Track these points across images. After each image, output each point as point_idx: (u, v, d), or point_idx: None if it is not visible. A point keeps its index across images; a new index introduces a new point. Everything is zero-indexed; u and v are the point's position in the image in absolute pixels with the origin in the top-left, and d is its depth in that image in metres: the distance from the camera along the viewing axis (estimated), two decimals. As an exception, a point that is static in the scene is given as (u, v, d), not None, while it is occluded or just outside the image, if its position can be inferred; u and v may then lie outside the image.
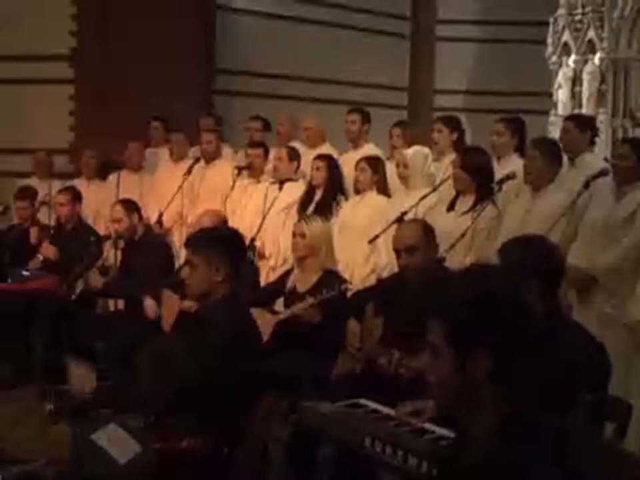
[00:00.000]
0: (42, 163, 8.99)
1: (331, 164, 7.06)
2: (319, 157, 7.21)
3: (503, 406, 2.29)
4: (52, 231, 7.54)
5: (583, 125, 6.54)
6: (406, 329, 4.43)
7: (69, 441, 3.62)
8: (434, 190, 6.22)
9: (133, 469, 3.28)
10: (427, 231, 4.94)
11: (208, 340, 3.83)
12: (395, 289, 4.98)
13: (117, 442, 3.37)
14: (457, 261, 5.46)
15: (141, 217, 6.96)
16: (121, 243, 7.01)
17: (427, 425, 3.77)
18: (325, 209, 6.77)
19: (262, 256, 7.07)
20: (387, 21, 12.23)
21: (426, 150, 6.66)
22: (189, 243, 4.26)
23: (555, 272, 3.81)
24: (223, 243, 4.14)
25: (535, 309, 3.55)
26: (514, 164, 6.35)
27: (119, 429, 3.43)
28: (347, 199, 6.98)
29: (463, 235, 5.56)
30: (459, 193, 6.00)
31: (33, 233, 7.77)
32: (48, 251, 7.33)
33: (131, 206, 6.89)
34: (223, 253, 4.03)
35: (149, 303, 6.22)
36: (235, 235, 4.39)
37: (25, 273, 7.12)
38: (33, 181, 8.67)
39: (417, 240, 4.84)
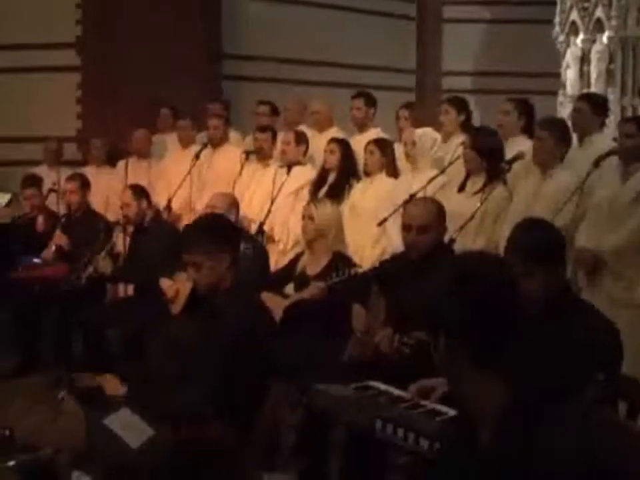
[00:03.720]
0: (52, 150, 8.99)
1: (345, 147, 7.06)
2: (333, 140, 7.20)
3: (504, 389, 2.28)
4: (62, 219, 7.54)
5: (596, 107, 6.49)
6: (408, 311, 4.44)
7: (82, 428, 3.62)
8: (442, 171, 6.21)
9: (146, 454, 3.29)
10: (440, 212, 4.89)
11: (230, 334, 3.77)
12: (398, 268, 4.96)
13: (129, 426, 3.37)
14: (467, 242, 5.46)
15: (150, 203, 6.97)
16: (130, 229, 7.04)
17: (439, 406, 3.77)
18: (338, 193, 6.77)
19: (271, 240, 7.07)
20: (393, 3, 12.17)
21: (436, 134, 6.66)
22: (184, 244, 4.13)
23: (556, 255, 3.79)
24: (217, 232, 4.05)
25: (539, 293, 3.57)
26: (521, 144, 6.33)
27: (131, 414, 3.44)
28: (359, 182, 6.97)
29: (472, 216, 5.54)
30: (469, 174, 5.98)
31: (40, 220, 7.79)
32: (61, 239, 7.34)
33: (139, 191, 6.89)
34: (219, 241, 3.98)
35: (166, 283, 6.18)
36: (224, 220, 4.31)
37: (35, 260, 7.14)
38: (41, 169, 8.69)
39: (430, 219, 4.80)
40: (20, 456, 4.69)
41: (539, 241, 3.72)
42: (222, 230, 4.08)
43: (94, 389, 3.83)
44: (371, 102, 8.05)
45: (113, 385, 4.00)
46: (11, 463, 4.61)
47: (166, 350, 4.08)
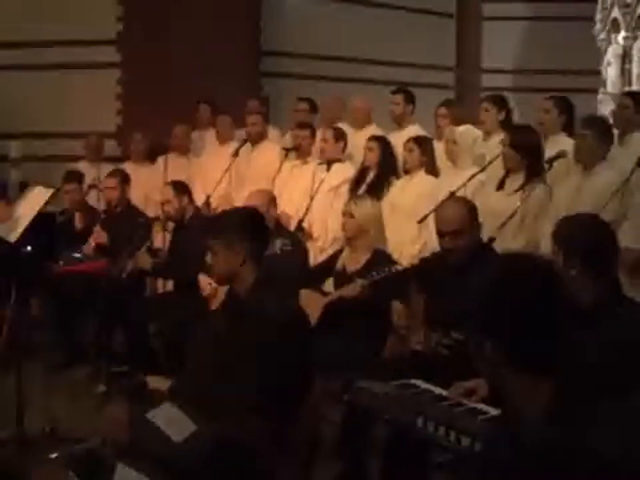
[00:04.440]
0: (92, 146, 9.07)
1: (385, 145, 7.07)
2: (373, 137, 7.21)
3: (549, 390, 2.27)
4: (102, 215, 7.60)
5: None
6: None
7: (124, 421, 3.65)
8: (482, 169, 6.19)
9: (189, 448, 3.31)
10: (471, 211, 4.76)
11: (254, 331, 3.77)
12: (437, 268, 4.94)
13: (172, 421, 3.39)
14: (506, 240, 5.43)
15: (191, 199, 7.00)
16: (170, 225, 7.08)
17: (480, 405, 3.77)
18: (377, 190, 6.77)
19: (309, 237, 7.08)
20: (434, 1, 12.15)
21: (477, 131, 6.64)
22: (208, 228, 4.16)
23: (604, 251, 3.75)
24: (240, 225, 4.01)
25: (584, 290, 3.53)
26: (561, 143, 6.29)
27: (174, 408, 3.46)
28: (398, 179, 6.97)
29: (512, 215, 5.52)
30: (508, 172, 5.95)
31: (78, 216, 7.86)
32: (100, 235, 7.40)
33: (180, 188, 6.93)
34: (242, 234, 3.93)
35: (203, 280, 6.22)
36: (253, 215, 4.30)
37: (76, 255, 7.21)
38: (82, 165, 8.76)
39: (460, 223, 4.67)
40: (65, 448, 4.78)
41: (587, 236, 3.69)
42: (245, 224, 4.03)
43: (138, 383, 3.85)
44: (410, 98, 8.05)
45: (156, 380, 4.02)
46: (54, 455, 4.70)
47: (204, 346, 4.09)
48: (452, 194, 5.74)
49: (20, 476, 4.90)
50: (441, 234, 4.73)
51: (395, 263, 5.53)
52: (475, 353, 2.34)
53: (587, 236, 3.68)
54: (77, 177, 8.07)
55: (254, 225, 4.07)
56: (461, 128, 6.60)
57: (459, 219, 4.68)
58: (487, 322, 2.30)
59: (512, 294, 2.27)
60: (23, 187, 8.48)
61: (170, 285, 7.29)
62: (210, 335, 4.09)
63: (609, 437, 2.21)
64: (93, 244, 7.41)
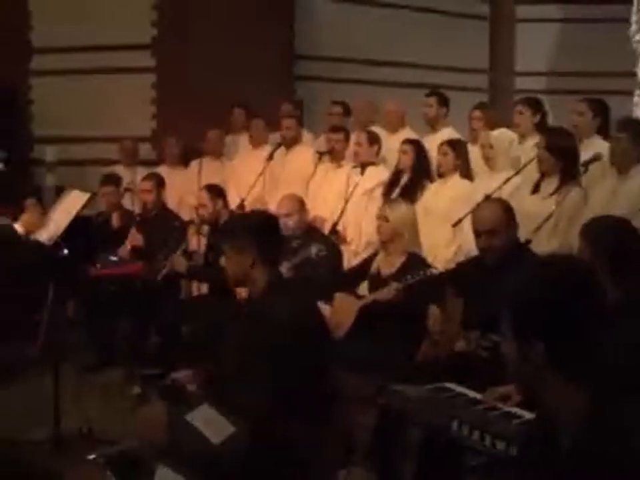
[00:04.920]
0: (128, 150, 9.14)
1: (418, 148, 7.07)
2: (407, 141, 7.21)
3: (587, 391, 2.27)
4: (137, 218, 7.65)
5: None
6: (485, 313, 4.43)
7: (161, 422, 3.68)
8: (518, 172, 6.17)
9: (227, 450, 3.33)
10: (507, 211, 4.82)
11: (265, 334, 3.77)
12: (474, 271, 4.95)
13: (210, 422, 3.42)
14: (541, 243, 5.41)
15: (226, 203, 7.03)
16: (204, 229, 7.11)
17: (515, 410, 3.76)
18: (411, 193, 6.77)
19: (344, 241, 7.08)
20: (466, 3, 12.13)
21: (512, 134, 6.61)
22: (221, 231, 4.20)
23: (630, 253, 3.75)
24: (250, 228, 4.06)
25: (609, 290, 3.53)
26: (596, 145, 6.25)
27: (212, 410, 3.49)
28: (432, 183, 6.96)
29: (547, 218, 5.50)
30: (543, 175, 5.93)
31: (115, 218, 7.92)
32: (135, 238, 7.46)
33: (216, 192, 6.96)
34: (251, 238, 3.97)
35: None
36: (264, 218, 4.31)
37: (112, 258, 7.26)
38: (117, 169, 8.83)
39: (496, 222, 4.74)
40: (101, 449, 4.81)
41: (614, 237, 3.70)
42: (255, 228, 4.07)
43: (175, 385, 3.89)
44: (444, 101, 8.04)
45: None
46: (92, 456, 4.73)
47: (232, 348, 4.12)
48: (487, 197, 5.74)
49: (56, 477, 4.95)
50: (477, 234, 4.81)
51: (429, 266, 5.52)
52: (514, 355, 2.34)
53: (613, 237, 3.70)
54: (115, 179, 8.15)
55: (264, 228, 4.10)
56: (497, 131, 6.58)
57: (494, 219, 4.75)
58: (533, 323, 2.29)
59: (560, 295, 2.28)
60: (59, 191, 8.58)
61: (204, 287, 7.34)
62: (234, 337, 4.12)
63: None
64: (129, 247, 7.47)
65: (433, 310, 5.18)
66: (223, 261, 4.03)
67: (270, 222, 4.23)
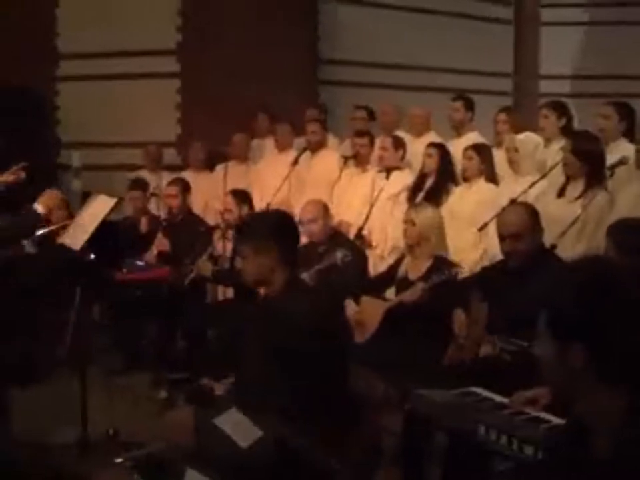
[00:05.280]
0: (152, 155, 9.19)
1: (443, 152, 7.07)
2: (432, 145, 7.21)
3: (626, 397, 2.26)
4: (163, 223, 7.68)
5: None
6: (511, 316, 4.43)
7: (186, 426, 3.69)
8: (543, 176, 6.15)
9: (255, 454, 3.34)
10: (532, 215, 4.85)
11: (283, 335, 3.77)
12: (498, 275, 4.94)
13: (238, 426, 3.43)
14: (567, 247, 5.40)
15: (251, 208, 7.05)
16: (230, 233, 7.13)
17: (543, 414, 3.75)
18: (436, 197, 6.77)
19: (369, 245, 7.08)
20: (491, 7, 12.11)
21: (538, 138, 6.59)
22: (237, 232, 4.17)
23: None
24: (268, 228, 4.05)
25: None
26: (622, 149, 6.22)
27: (240, 414, 3.50)
28: (457, 187, 6.96)
29: (573, 222, 5.49)
30: (569, 179, 5.92)
31: (143, 222, 7.96)
32: (162, 243, 7.49)
33: (241, 197, 6.99)
34: (268, 238, 3.97)
35: None
36: (282, 218, 4.28)
37: (138, 263, 7.30)
38: (143, 174, 8.88)
39: (521, 226, 4.77)
40: (129, 452, 4.84)
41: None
42: (273, 228, 4.06)
43: (203, 389, 3.91)
44: (470, 105, 8.03)
45: (218, 386, 4.07)
46: (119, 459, 4.76)
47: (253, 350, 4.13)
48: (513, 201, 5.73)
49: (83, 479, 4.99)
50: (501, 237, 4.84)
51: (455, 266, 5.52)
52: (548, 356, 2.33)
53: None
54: (142, 184, 8.21)
55: (282, 227, 4.09)
56: (522, 135, 6.57)
57: (519, 222, 4.78)
58: (573, 323, 2.28)
59: (600, 295, 2.27)
60: (85, 196, 8.62)
61: (230, 292, 7.36)
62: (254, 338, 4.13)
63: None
64: (156, 251, 7.51)
65: (458, 314, 5.17)
66: (240, 262, 4.00)
67: (288, 221, 4.22)
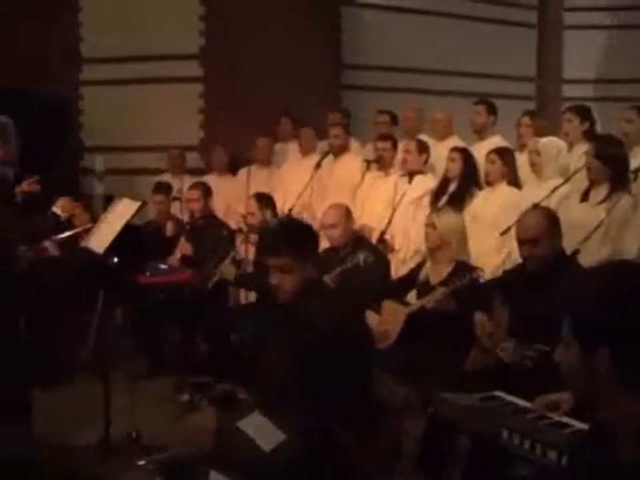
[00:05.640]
0: (175, 159, 9.22)
1: (467, 156, 7.05)
2: (455, 149, 7.19)
3: None
4: (186, 227, 7.70)
5: None
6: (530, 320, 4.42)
7: (209, 429, 3.70)
8: (566, 181, 6.13)
9: (277, 457, 3.35)
10: (551, 220, 4.82)
11: (309, 341, 3.78)
12: (518, 279, 4.93)
13: (261, 430, 3.44)
14: (591, 252, 5.38)
15: (274, 212, 7.06)
16: (253, 237, 7.15)
17: (566, 419, 3.73)
18: (458, 201, 6.76)
19: (392, 249, 7.08)
20: (514, 11, 12.07)
21: (561, 142, 6.57)
22: (269, 248, 4.12)
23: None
24: (303, 237, 4.08)
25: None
26: (646, 153, 6.21)
27: (264, 418, 3.50)
28: (480, 191, 6.94)
29: (597, 226, 5.46)
30: (592, 183, 5.89)
31: (169, 226, 7.98)
32: (185, 248, 7.51)
33: (264, 200, 7.00)
34: (307, 247, 4.01)
35: None
36: (307, 226, 4.31)
37: (161, 266, 7.32)
38: (165, 177, 8.91)
39: (539, 231, 4.74)
40: (151, 455, 4.84)
41: None
42: (308, 236, 4.10)
43: (227, 392, 3.91)
44: (492, 109, 8.01)
45: (241, 389, 4.07)
46: (141, 462, 4.77)
47: (276, 355, 4.13)
48: (535, 206, 5.71)
49: (105, 482, 5.01)
50: (520, 242, 4.83)
51: (477, 270, 5.50)
52: (572, 361, 2.31)
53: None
54: (166, 188, 8.23)
55: (310, 235, 4.12)
56: (545, 139, 6.54)
57: (537, 227, 4.77)
58: (599, 328, 2.27)
59: (627, 299, 2.26)
60: (108, 200, 8.67)
61: (252, 296, 7.37)
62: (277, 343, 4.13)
63: None
64: (179, 255, 7.53)
65: (480, 317, 5.15)
66: (276, 277, 3.98)
67: (307, 230, 4.23)
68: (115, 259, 5.60)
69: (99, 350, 6.74)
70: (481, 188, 6.96)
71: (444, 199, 6.93)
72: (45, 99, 9.54)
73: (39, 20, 9.94)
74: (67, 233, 7.06)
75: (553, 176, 6.31)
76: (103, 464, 5.31)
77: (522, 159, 6.93)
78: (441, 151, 7.58)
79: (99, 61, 10.21)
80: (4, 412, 5.24)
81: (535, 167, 6.45)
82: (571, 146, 6.89)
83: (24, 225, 5.39)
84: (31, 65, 9.63)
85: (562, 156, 6.46)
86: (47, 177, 6.78)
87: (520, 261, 5.24)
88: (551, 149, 6.41)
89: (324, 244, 5.99)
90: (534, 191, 6.27)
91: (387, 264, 6.49)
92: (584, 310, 2.31)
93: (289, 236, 4.03)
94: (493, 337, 4.90)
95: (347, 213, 6.53)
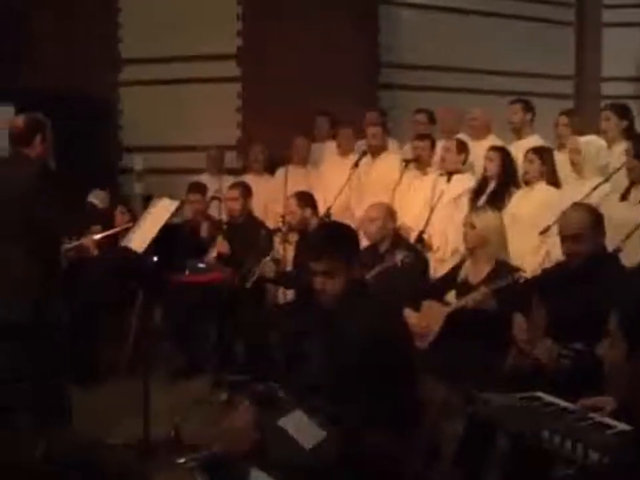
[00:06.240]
0: (214, 159, 9.25)
1: (505, 155, 7.01)
2: (493, 148, 7.16)
3: None
4: (224, 226, 7.73)
5: None
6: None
7: (248, 427, 3.72)
8: (606, 179, 6.09)
9: (318, 456, 3.36)
10: (595, 217, 4.80)
11: (351, 343, 3.78)
12: (558, 278, 4.90)
13: (302, 428, 3.45)
14: (632, 251, 5.33)
15: (315, 211, 7.07)
16: (292, 236, 7.16)
17: (608, 420, 3.70)
18: (498, 200, 6.72)
19: (430, 249, 7.06)
20: (552, 9, 11.99)
21: (601, 141, 6.52)
22: (313, 252, 4.12)
23: None
24: (349, 241, 4.08)
25: None
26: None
27: (305, 416, 3.52)
28: (518, 190, 6.91)
29: (639, 225, 5.41)
30: (632, 182, 5.85)
31: (204, 227, 8.02)
32: (222, 246, 7.54)
33: (305, 199, 7.02)
34: (352, 251, 4.02)
35: None
36: (351, 230, 4.31)
37: (200, 265, 7.36)
38: (204, 177, 8.94)
39: (583, 227, 4.72)
40: (190, 453, 4.86)
41: None
42: (351, 239, 4.10)
43: (268, 391, 3.93)
44: (529, 108, 7.96)
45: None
46: (181, 460, 4.80)
47: (320, 356, 4.14)
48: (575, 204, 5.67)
49: (144, 480, 5.05)
50: (563, 238, 4.80)
51: (519, 270, 5.48)
52: (617, 357, 2.31)
53: None
54: (201, 188, 8.26)
55: (349, 243, 4.10)
56: (585, 138, 6.50)
57: (580, 224, 4.74)
58: None
59: None
60: (147, 199, 8.72)
61: (290, 294, 7.38)
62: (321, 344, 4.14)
63: None
64: (216, 254, 7.56)
65: (518, 318, 5.13)
66: (320, 281, 3.99)
67: (350, 234, 4.23)
68: (154, 258, 5.64)
69: (138, 349, 6.81)
70: (519, 187, 6.92)
71: (483, 198, 6.91)
72: (84, 99, 9.64)
73: (79, 21, 10.04)
74: (107, 232, 7.12)
75: (593, 175, 6.27)
76: (142, 462, 5.35)
77: (561, 158, 6.88)
78: (478, 150, 7.55)
79: (137, 61, 10.29)
80: (45, 411, 5.30)
81: (575, 166, 6.41)
82: (609, 144, 6.85)
83: (68, 217, 5.45)
84: (71, 66, 9.72)
85: (602, 155, 6.42)
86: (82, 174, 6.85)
87: (559, 259, 5.23)
88: (591, 147, 6.37)
89: (363, 243, 5.99)
90: (573, 190, 6.23)
91: (425, 264, 6.48)
92: (631, 306, 2.30)
93: (332, 241, 4.04)
94: (530, 337, 4.89)
95: (390, 211, 6.55)
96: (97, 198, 7.58)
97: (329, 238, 4.14)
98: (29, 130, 5.25)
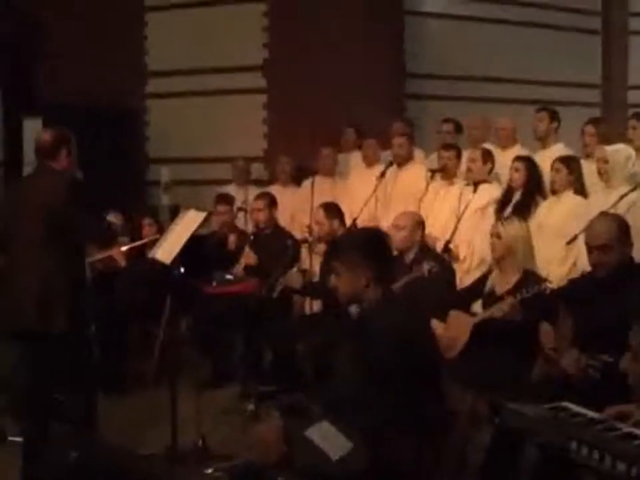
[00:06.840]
0: (240, 170, 9.28)
1: (530, 165, 6.99)
2: (518, 158, 7.14)
3: None
4: (251, 237, 7.75)
5: None
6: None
7: (276, 438, 3.73)
8: (634, 188, 6.06)
9: (345, 466, 3.37)
10: (622, 227, 4.74)
11: (374, 352, 3.79)
12: (585, 288, 4.87)
13: (329, 439, 3.46)
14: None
15: (342, 222, 7.07)
16: (318, 247, 7.17)
17: (636, 430, 3.68)
18: (524, 210, 6.70)
19: (456, 259, 7.04)
20: (577, 17, 11.97)
21: (629, 149, 6.49)
22: (332, 249, 4.19)
23: None
24: (362, 246, 4.07)
25: None
26: None
27: (331, 427, 3.52)
28: (545, 199, 6.88)
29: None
30: (661, 191, 5.82)
31: (231, 239, 8.04)
32: (249, 257, 7.56)
33: (332, 210, 7.02)
34: (363, 256, 3.99)
35: None
36: (375, 236, 4.30)
37: (227, 276, 7.38)
38: (230, 188, 8.97)
39: (610, 238, 4.66)
40: (219, 463, 4.89)
41: None
42: (367, 245, 4.09)
43: (294, 402, 3.94)
44: (555, 117, 7.94)
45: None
46: (209, 470, 4.83)
47: (347, 366, 4.15)
48: (604, 213, 5.65)
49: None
50: (589, 249, 4.75)
51: (545, 281, 5.46)
52: None
53: None
54: (228, 199, 8.30)
55: (376, 245, 4.11)
56: (613, 147, 6.47)
57: (606, 234, 4.69)
58: None
59: None
60: (174, 211, 8.77)
61: (317, 305, 7.39)
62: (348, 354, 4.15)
63: None
64: (242, 265, 7.58)
65: (545, 327, 5.11)
66: (333, 279, 4.04)
67: (382, 239, 4.25)
68: (181, 269, 5.67)
69: (165, 359, 6.84)
70: (545, 197, 6.90)
71: (509, 208, 6.89)
72: (111, 111, 9.72)
73: (106, 34, 10.12)
74: (134, 244, 7.16)
75: (621, 184, 6.23)
76: (169, 472, 5.37)
77: (588, 167, 6.85)
78: (505, 160, 7.54)
79: (164, 73, 10.38)
80: (73, 420, 5.34)
81: (602, 175, 6.38)
82: (636, 153, 6.81)
83: (95, 225, 5.50)
84: (99, 79, 9.80)
85: (630, 163, 6.38)
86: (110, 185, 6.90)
87: (586, 269, 5.20)
88: (619, 156, 6.33)
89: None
90: (601, 200, 6.20)
91: (452, 274, 6.47)
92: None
93: (367, 250, 4.05)
94: (557, 348, 4.86)
95: (418, 220, 6.52)
96: (115, 218, 7.62)
97: (363, 248, 4.14)
98: (55, 144, 5.30)
